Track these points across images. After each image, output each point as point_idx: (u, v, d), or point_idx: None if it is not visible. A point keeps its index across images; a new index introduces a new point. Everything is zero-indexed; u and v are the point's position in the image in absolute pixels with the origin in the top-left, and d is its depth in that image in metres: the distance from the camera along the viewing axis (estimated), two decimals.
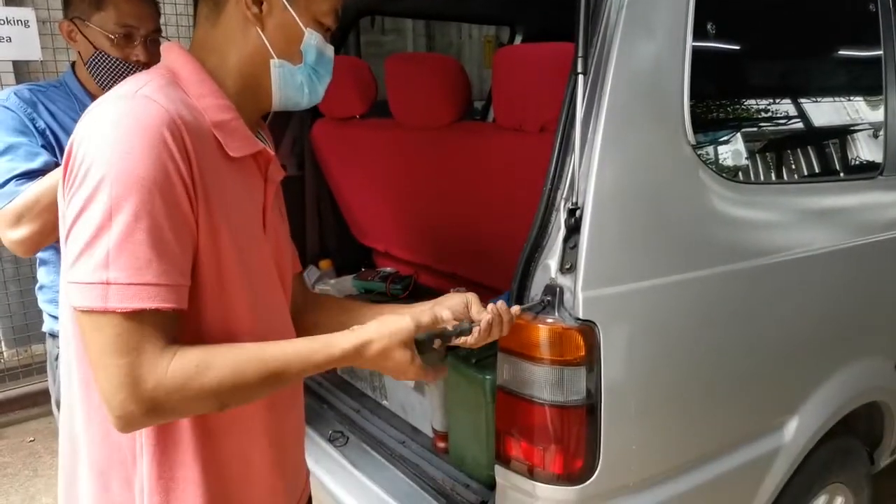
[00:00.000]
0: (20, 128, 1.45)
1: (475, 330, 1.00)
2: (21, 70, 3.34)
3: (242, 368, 0.82)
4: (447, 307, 1.02)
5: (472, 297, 1.04)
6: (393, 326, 0.92)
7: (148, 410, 0.77)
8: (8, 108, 1.47)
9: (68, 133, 1.48)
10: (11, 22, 2.94)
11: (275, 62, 0.92)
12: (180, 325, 0.82)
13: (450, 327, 0.99)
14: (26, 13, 2.99)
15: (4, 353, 3.64)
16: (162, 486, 0.87)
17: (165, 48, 0.93)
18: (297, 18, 0.92)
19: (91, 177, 0.75)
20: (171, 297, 0.78)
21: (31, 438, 3.17)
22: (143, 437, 0.86)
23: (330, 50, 0.98)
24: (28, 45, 2.99)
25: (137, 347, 0.76)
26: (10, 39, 2.96)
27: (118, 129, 0.76)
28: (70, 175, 0.78)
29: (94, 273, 0.74)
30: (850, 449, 1.75)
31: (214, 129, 0.86)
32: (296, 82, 0.95)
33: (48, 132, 1.48)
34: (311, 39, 0.94)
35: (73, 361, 0.89)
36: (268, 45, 0.91)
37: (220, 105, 0.88)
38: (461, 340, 1.01)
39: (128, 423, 0.78)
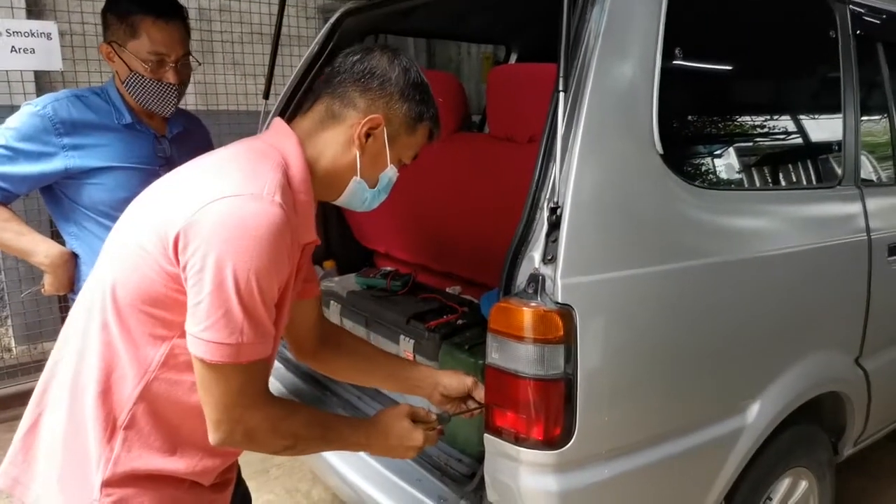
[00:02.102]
0: (37, 136, 1.60)
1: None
2: (42, 80, 3.51)
3: (312, 425, 1.11)
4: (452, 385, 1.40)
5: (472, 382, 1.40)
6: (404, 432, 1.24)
7: (246, 440, 1.03)
8: (37, 116, 1.61)
9: (98, 137, 1.65)
10: (35, 34, 3.09)
11: (356, 179, 1.15)
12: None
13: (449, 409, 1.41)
14: (49, 26, 3.13)
15: (15, 350, 3.78)
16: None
17: (281, 132, 1.12)
18: (388, 155, 1.15)
19: (225, 261, 0.93)
20: (271, 347, 1.03)
21: None
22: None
23: (396, 175, 1.21)
24: (50, 57, 3.13)
25: (252, 393, 1.01)
26: (33, 51, 3.09)
27: (250, 228, 0.94)
28: (196, 252, 0.94)
29: (231, 336, 0.96)
30: (812, 436, 1.90)
31: (298, 218, 1.05)
32: (363, 197, 1.18)
33: (70, 147, 1.63)
34: (390, 173, 1.19)
35: (94, 329, 1.05)
36: (358, 165, 1.13)
37: (309, 203, 1.10)
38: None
39: (225, 444, 1.02)
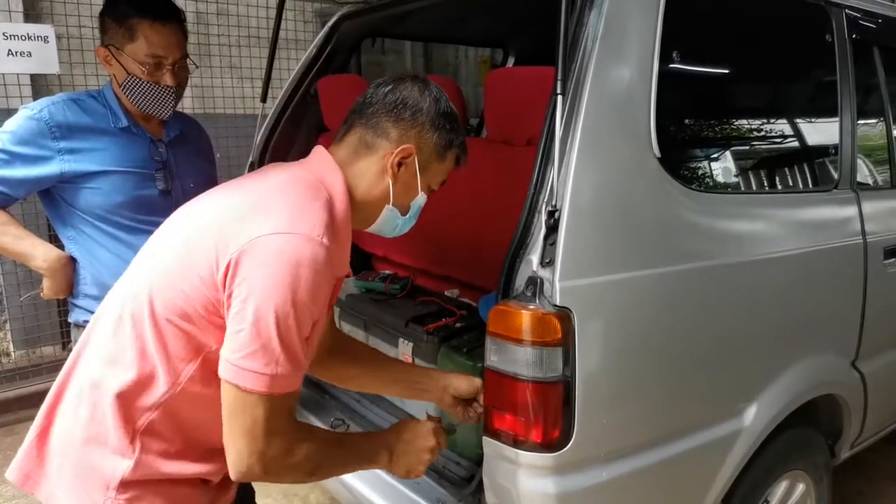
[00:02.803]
0: (33, 140, 1.60)
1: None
2: (38, 83, 3.51)
3: (330, 456, 1.13)
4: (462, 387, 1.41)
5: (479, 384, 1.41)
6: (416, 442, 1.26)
7: (265, 472, 1.03)
8: (33, 120, 1.61)
9: (93, 140, 1.65)
10: (32, 38, 3.08)
11: (389, 206, 1.18)
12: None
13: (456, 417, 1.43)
14: (46, 29, 3.13)
15: (13, 354, 3.78)
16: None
17: (327, 167, 1.13)
18: (419, 183, 1.18)
19: (270, 297, 0.96)
20: (301, 380, 1.05)
21: None
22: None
23: (425, 201, 1.24)
24: (47, 60, 3.12)
25: (277, 424, 1.01)
26: (30, 54, 3.08)
27: (298, 268, 0.97)
28: (243, 283, 0.97)
29: (268, 367, 0.98)
30: (809, 439, 1.91)
31: (338, 253, 1.07)
32: (394, 224, 1.22)
33: (66, 151, 1.63)
34: (421, 200, 1.22)
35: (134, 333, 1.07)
36: (391, 193, 1.16)
37: (348, 238, 1.14)
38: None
39: (244, 476, 1.03)
